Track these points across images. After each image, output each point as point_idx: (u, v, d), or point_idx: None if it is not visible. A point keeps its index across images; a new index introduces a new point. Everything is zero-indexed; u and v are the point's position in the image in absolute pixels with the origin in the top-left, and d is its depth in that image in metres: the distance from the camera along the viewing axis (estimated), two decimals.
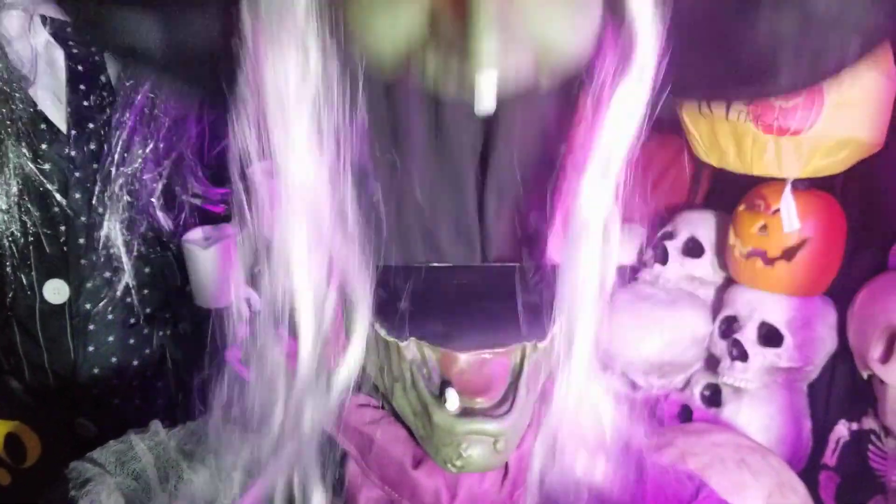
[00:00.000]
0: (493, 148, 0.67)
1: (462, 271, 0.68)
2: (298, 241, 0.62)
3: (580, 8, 0.58)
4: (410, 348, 0.65)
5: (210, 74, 0.63)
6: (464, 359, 0.64)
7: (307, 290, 0.63)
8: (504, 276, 0.68)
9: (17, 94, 0.98)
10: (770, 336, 1.33)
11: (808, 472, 1.33)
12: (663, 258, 1.48)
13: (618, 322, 1.35)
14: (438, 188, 0.67)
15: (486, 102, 0.58)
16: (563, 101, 0.68)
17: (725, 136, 1.16)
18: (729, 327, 1.39)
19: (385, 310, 0.65)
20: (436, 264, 0.68)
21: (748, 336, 1.34)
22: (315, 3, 0.58)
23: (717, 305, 1.46)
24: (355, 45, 0.58)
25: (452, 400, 0.62)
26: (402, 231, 0.67)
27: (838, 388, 1.37)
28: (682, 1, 0.61)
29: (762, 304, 1.34)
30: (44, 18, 1.02)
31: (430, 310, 0.65)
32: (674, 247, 1.47)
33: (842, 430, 1.32)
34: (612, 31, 0.64)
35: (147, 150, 1.03)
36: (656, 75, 0.63)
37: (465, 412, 0.62)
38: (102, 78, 1.05)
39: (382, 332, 0.65)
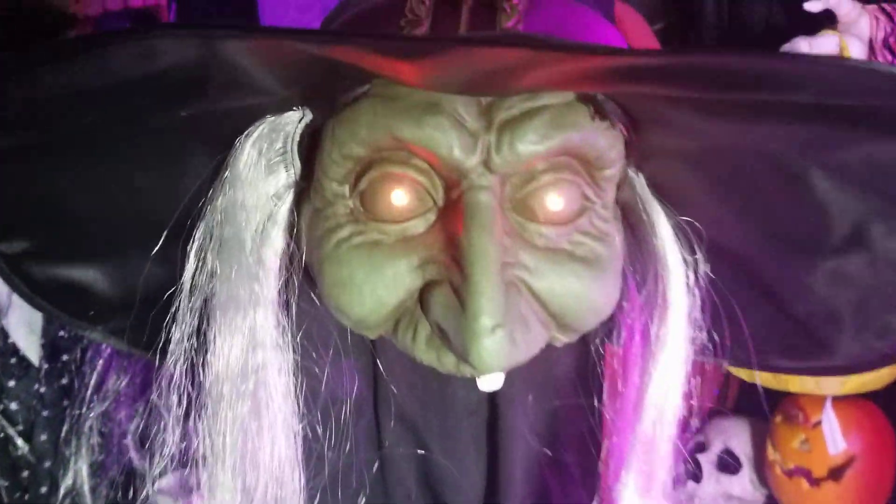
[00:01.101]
0: (502, 413, 0.59)
1: None
2: None
3: (599, 268, 0.48)
4: None
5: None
6: None
7: None
8: None
9: None
10: None
11: None
12: (696, 475, 1.35)
13: None
14: (438, 461, 0.59)
15: (491, 384, 0.50)
16: (584, 353, 0.59)
17: None
18: None
19: None
20: None
21: None
22: (282, 271, 0.51)
23: None
24: (332, 310, 0.50)
25: None
26: None
27: None
28: (723, 255, 0.52)
29: None
30: None
31: None
32: (707, 461, 1.36)
33: None
34: (636, 281, 0.55)
35: (122, 384, 0.95)
36: (691, 333, 0.53)
37: None
38: None
39: None
